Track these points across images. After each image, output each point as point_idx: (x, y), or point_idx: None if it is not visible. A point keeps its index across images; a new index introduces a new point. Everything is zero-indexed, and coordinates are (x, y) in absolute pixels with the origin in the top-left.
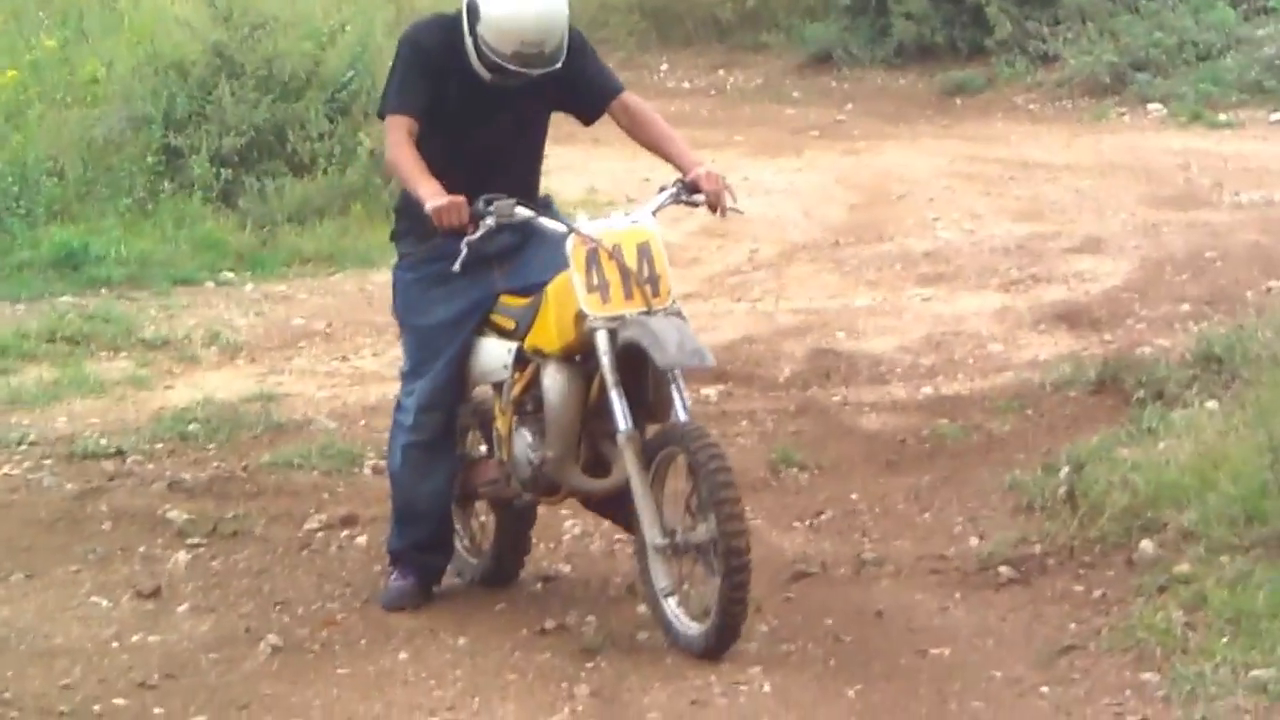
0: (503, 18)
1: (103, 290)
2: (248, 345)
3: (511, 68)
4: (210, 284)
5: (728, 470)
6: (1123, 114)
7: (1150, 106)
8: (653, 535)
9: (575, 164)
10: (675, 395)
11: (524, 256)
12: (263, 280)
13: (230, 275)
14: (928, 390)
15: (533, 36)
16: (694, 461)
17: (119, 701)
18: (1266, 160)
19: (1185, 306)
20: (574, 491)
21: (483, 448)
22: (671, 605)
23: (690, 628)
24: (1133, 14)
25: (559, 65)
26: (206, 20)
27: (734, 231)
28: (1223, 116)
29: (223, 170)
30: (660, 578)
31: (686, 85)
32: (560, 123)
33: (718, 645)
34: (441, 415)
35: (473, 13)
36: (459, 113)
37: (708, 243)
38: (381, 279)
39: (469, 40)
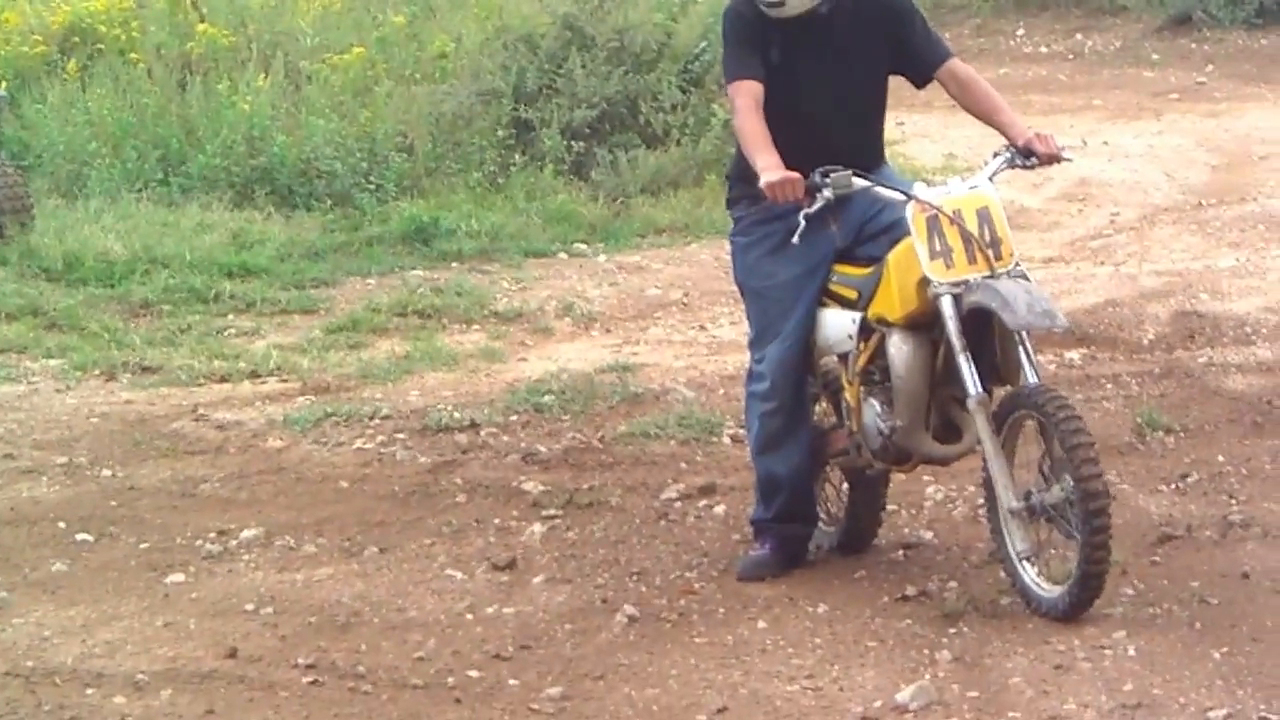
0: None
1: (453, 264)
2: (602, 316)
3: None
4: (563, 255)
5: (1084, 429)
6: None
7: None
8: (1008, 499)
9: (933, 131)
10: (1023, 358)
11: (855, 202)
12: (616, 251)
13: (583, 247)
14: None
15: None
16: (1048, 421)
17: (473, 673)
18: None
19: None
20: (925, 459)
21: (831, 418)
22: (1028, 569)
23: (1049, 590)
24: None
25: None
26: None
27: (1094, 195)
28: None
29: (574, 143)
30: (1018, 541)
31: (1044, 50)
32: (917, 90)
33: (1078, 606)
34: (795, 380)
35: None
36: (781, 72)
37: (1068, 207)
38: None
39: None
